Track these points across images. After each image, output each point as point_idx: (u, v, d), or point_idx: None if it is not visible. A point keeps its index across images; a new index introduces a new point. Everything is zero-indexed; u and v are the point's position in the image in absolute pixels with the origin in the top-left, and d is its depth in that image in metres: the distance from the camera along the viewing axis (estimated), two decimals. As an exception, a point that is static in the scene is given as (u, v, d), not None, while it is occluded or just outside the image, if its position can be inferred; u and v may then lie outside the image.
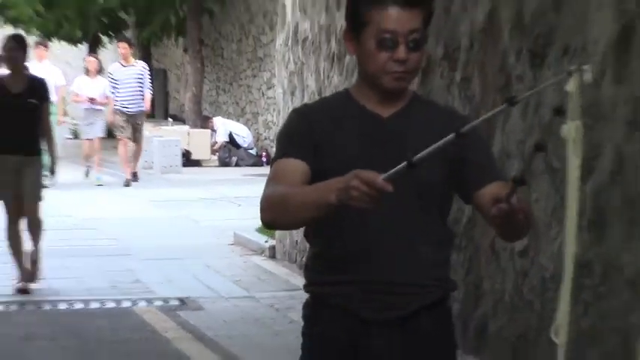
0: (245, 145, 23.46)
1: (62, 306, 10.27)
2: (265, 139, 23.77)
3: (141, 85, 19.43)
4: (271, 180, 3.62)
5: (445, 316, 3.75)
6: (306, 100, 11.24)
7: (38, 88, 10.59)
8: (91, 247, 13.22)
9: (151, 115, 22.27)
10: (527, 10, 7.10)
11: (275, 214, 3.59)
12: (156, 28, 26.72)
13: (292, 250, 11.92)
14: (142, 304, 10.35)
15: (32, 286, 10.46)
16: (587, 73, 3.09)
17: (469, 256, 7.77)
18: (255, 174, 20.30)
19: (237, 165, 22.82)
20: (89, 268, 11.90)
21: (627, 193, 6.00)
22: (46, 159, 10.74)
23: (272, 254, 12.49)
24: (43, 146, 10.58)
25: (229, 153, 23.20)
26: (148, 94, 19.82)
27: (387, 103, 3.66)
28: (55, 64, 21.64)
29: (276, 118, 15.18)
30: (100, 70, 19.96)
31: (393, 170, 3.22)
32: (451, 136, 3.20)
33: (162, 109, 29.13)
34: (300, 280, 10.40)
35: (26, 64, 11.39)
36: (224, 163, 23.01)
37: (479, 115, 7.50)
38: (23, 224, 10.55)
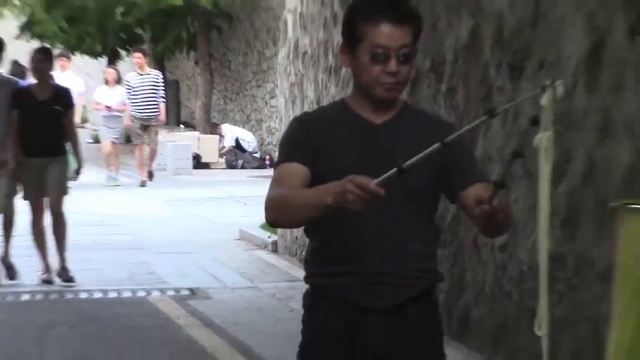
0: (250, 150, 23.47)
1: (83, 295, 10.26)
2: (268, 144, 23.76)
3: (155, 91, 19.45)
4: (275, 182, 3.62)
5: (432, 305, 3.75)
6: (305, 109, 11.23)
7: (63, 96, 10.59)
8: (109, 242, 13.23)
9: (165, 122, 22.31)
10: (507, 27, 7.10)
11: (278, 214, 3.60)
12: (169, 42, 26.76)
13: (292, 245, 11.92)
14: (156, 293, 10.34)
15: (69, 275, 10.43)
16: (560, 87, 3.11)
17: (453, 251, 7.76)
18: (259, 175, 20.28)
19: (242, 167, 22.82)
20: (108, 261, 11.90)
21: (598, 194, 5.99)
22: (71, 160, 10.72)
23: (274, 248, 12.49)
24: (68, 148, 10.57)
25: (236, 156, 23.21)
26: (163, 105, 19.86)
27: (380, 112, 3.66)
28: (76, 75, 21.67)
29: (279, 125, 15.19)
30: (118, 81, 19.98)
31: (385, 176, 3.24)
32: (437, 145, 3.23)
33: (174, 117, 29.11)
34: (299, 272, 10.40)
35: (51, 73, 11.37)
36: (231, 165, 23.02)
37: (462, 123, 7.50)
38: (47, 220, 10.54)
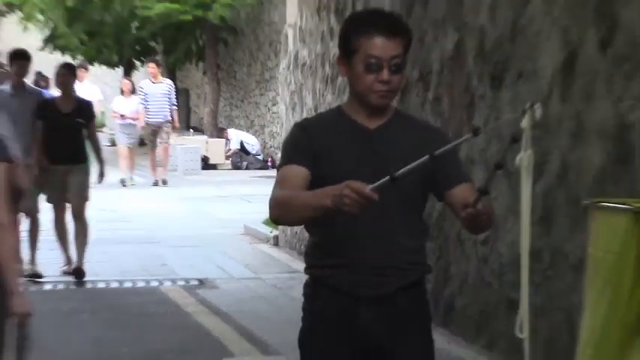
0: (253, 152, 23.46)
1: (101, 285, 10.26)
2: (270, 147, 23.75)
3: (167, 99, 19.43)
4: (278, 183, 3.63)
5: (421, 294, 3.74)
6: (304, 115, 11.22)
7: (85, 108, 10.54)
8: (125, 236, 13.22)
9: (178, 128, 22.33)
10: (488, 41, 7.10)
11: (281, 213, 3.61)
12: (180, 54, 26.75)
13: (293, 239, 11.91)
14: (167, 283, 10.34)
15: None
16: (538, 110, 3.13)
17: (439, 245, 7.76)
18: (262, 176, 20.28)
19: (247, 168, 22.81)
20: (124, 254, 11.90)
21: (571, 193, 5.99)
22: (91, 159, 10.65)
23: (276, 242, 12.49)
24: (89, 154, 10.53)
25: (240, 158, 23.20)
26: (176, 113, 19.88)
27: (374, 117, 3.66)
28: (95, 84, 21.67)
29: (280, 130, 15.18)
30: (132, 91, 19.98)
31: (379, 182, 3.26)
32: (426, 157, 3.25)
33: (184, 122, 29.07)
34: (299, 265, 10.42)
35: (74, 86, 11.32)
36: (236, 166, 23.02)
37: (447, 128, 7.50)
38: (68, 216, 10.53)
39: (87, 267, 10.44)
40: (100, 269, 10.71)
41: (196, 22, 24.76)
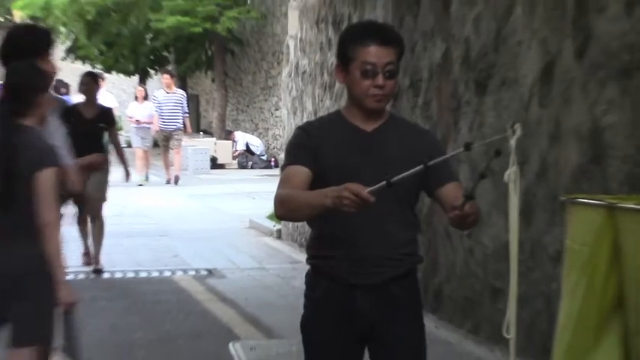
0: (258, 153, 23.45)
1: (118, 275, 10.25)
2: (274, 148, 23.75)
3: (180, 107, 19.42)
4: (282, 182, 3.62)
5: (413, 283, 3.74)
6: (305, 119, 11.22)
7: (107, 114, 10.52)
8: (140, 230, 13.22)
9: (190, 133, 22.36)
10: (473, 51, 7.09)
11: (285, 211, 3.61)
12: (191, 63, 26.74)
13: (294, 233, 11.91)
14: (179, 273, 10.33)
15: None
16: (518, 130, 3.20)
17: (429, 238, 7.76)
18: (266, 174, 20.29)
19: (252, 168, 22.82)
20: (139, 246, 11.89)
21: (549, 190, 5.99)
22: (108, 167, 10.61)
23: (278, 235, 12.48)
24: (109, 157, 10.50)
25: (246, 158, 23.20)
26: (188, 120, 19.88)
27: (371, 120, 3.66)
28: (112, 91, 21.69)
29: (282, 132, 15.16)
30: (145, 97, 19.98)
31: (376, 187, 3.27)
32: (420, 167, 3.28)
33: (195, 125, 29.03)
34: (300, 256, 10.42)
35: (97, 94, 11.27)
36: (242, 166, 23.02)
37: (436, 130, 7.49)
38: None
39: (105, 259, 10.43)
40: (117, 260, 10.70)
41: (206, 34, 24.79)
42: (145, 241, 12.33)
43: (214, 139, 24.40)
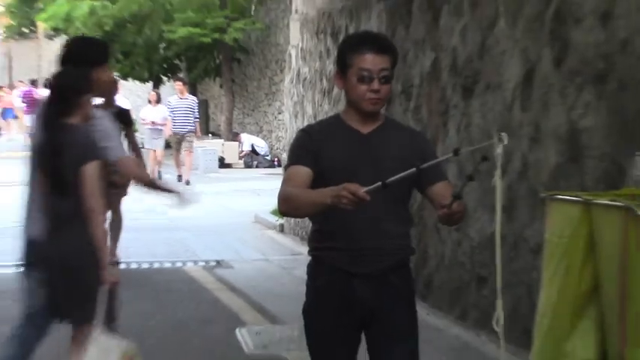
0: (262, 153, 23.44)
1: (134, 266, 10.25)
2: (277, 149, 23.73)
3: (191, 112, 19.39)
4: (286, 181, 3.63)
5: (407, 272, 3.75)
6: (305, 122, 11.22)
7: (124, 115, 10.48)
8: (155, 225, 13.21)
9: (200, 136, 22.37)
10: (460, 59, 7.09)
11: (288, 208, 3.62)
12: (200, 71, 26.73)
13: (296, 227, 11.91)
14: (190, 264, 10.33)
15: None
16: (505, 139, 3.23)
17: (419, 231, 7.76)
18: (269, 173, 20.28)
19: (257, 167, 22.80)
20: (153, 239, 11.89)
21: (530, 187, 5.99)
22: None
23: (281, 229, 12.48)
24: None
25: (252, 159, 23.19)
26: (198, 125, 19.86)
27: (367, 123, 3.67)
28: (128, 97, 21.67)
29: (285, 134, 15.14)
30: (158, 101, 19.97)
31: (372, 187, 3.28)
32: (413, 170, 3.29)
33: (204, 128, 29.05)
34: (301, 248, 10.42)
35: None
36: (248, 165, 23.01)
37: (426, 132, 7.49)
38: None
39: (121, 250, 10.42)
40: (132, 252, 10.69)
41: (214, 43, 24.79)
42: (159, 234, 12.32)
43: (222, 140, 24.38)
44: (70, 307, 4.60)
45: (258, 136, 24.93)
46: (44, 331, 4.81)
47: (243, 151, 23.33)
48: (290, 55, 12.88)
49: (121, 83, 22.63)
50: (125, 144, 10.19)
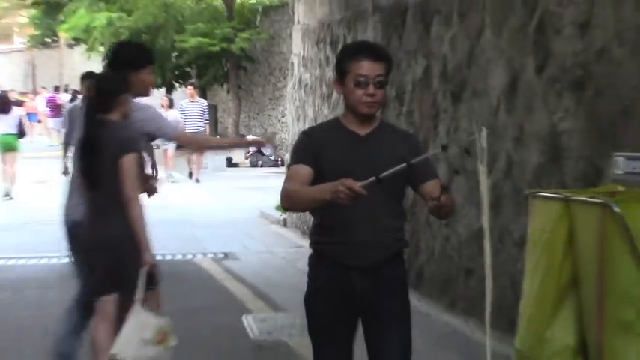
0: (267, 154, 23.42)
1: (148, 258, 10.23)
2: (280, 149, 23.73)
3: (202, 115, 19.38)
4: (288, 179, 3.63)
5: (401, 264, 3.75)
6: (307, 125, 11.21)
7: None
8: (166, 219, 13.17)
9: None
10: (450, 66, 7.09)
11: (290, 204, 3.63)
12: (209, 77, 26.74)
13: (298, 221, 11.90)
14: (200, 256, 10.32)
15: None
16: (484, 133, 3.23)
17: (412, 226, 7.76)
18: (274, 172, 20.26)
19: (262, 166, 22.78)
20: (165, 233, 11.80)
21: (515, 185, 5.99)
22: None
23: (284, 224, 12.47)
24: None
25: (257, 159, 23.17)
26: (208, 127, 19.81)
27: (364, 126, 3.67)
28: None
29: (287, 136, 15.14)
30: (170, 105, 19.95)
31: (367, 182, 3.28)
32: (404, 165, 3.29)
33: (213, 131, 29.06)
34: (303, 241, 10.42)
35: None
36: (253, 165, 22.98)
37: (418, 134, 7.49)
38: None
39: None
40: (147, 245, 10.68)
41: (222, 52, 24.81)
42: (170, 228, 12.29)
43: (230, 142, 24.38)
44: (112, 284, 4.68)
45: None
46: (90, 314, 4.86)
47: (249, 151, 23.33)
48: (292, 63, 12.87)
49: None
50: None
